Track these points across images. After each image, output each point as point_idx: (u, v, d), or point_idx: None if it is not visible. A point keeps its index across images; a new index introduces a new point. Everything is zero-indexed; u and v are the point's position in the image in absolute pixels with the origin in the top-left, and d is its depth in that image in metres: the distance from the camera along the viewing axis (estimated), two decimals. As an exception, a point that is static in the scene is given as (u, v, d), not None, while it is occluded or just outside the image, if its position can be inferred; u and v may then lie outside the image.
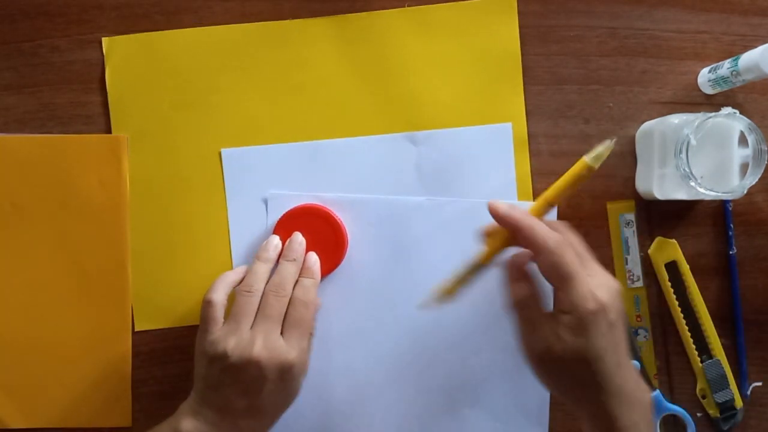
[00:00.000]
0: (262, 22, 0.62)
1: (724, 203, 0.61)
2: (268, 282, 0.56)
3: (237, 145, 0.61)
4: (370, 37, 0.62)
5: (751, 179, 0.53)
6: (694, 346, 0.61)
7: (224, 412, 0.52)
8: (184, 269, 0.61)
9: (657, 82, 0.61)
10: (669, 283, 0.61)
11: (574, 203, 0.61)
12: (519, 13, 0.61)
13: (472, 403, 0.61)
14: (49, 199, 0.61)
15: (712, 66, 0.59)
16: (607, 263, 0.61)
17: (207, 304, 0.55)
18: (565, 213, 0.61)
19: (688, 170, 0.53)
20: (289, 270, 0.57)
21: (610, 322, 0.47)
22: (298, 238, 0.59)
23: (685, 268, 0.60)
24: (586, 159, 0.50)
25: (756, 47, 0.54)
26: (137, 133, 0.62)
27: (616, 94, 0.61)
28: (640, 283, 0.61)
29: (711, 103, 0.61)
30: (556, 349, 0.48)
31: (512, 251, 0.52)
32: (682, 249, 0.61)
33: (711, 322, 0.61)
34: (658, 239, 0.61)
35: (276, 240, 0.59)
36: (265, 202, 0.61)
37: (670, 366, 0.61)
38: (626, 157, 0.61)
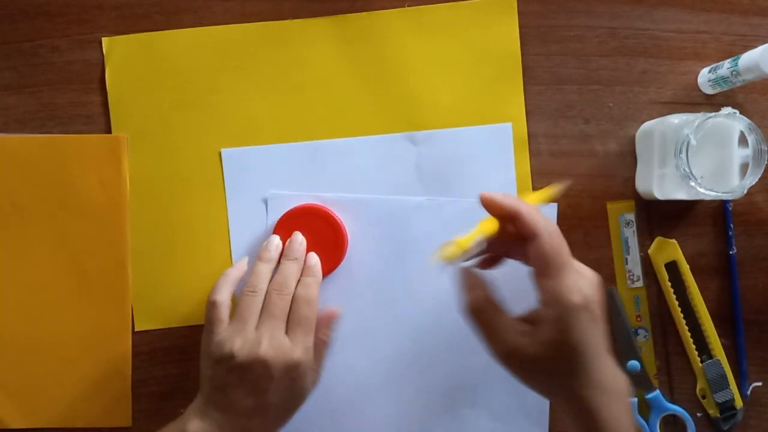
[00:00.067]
0: (262, 22, 0.62)
1: (724, 203, 0.61)
2: (270, 281, 0.56)
3: (237, 145, 0.61)
4: (370, 37, 0.62)
5: (751, 179, 0.53)
6: (694, 346, 0.61)
7: (231, 413, 0.52)
8: (184, 269, 0.61)
9: (657, 82, 0.61)
10: (669, 283, 0.61)
11: (574, 203, 0.61)
12: (519, 13, 0.61)
13: (472, 403, 0.61)
14: (49, 199, 0.61)
15: (712, 66, 0.59)
16: (607, 263, 0.61)
17: (212, 305, 0.55)
18: (565, 213, 0.61)
19: (688, 170, 0.53)
20: (291, 269, 0.57)
21: (592, 316, 0.47)
22: (299, 238, 0.59)
23: (685, 268, 0.60)
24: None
25: (756, 47, 0.54)
26: (137, 133, 0.62)
27: (616, 94, 0.61)
28: (640, 283, 0.61)
29: (711, 103, 0.61)
30: (530, 350, 0.47)
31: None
32: (682, 249, 0.61)
33: (711, 322, 0.61)
34: (658, 239, 0.61)
35: (277, 240, 0.59)
36: (265, 202, 0.61)
37: (670, 366, 0.61)
38: (626, 157, 0.61)
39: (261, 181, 0.61)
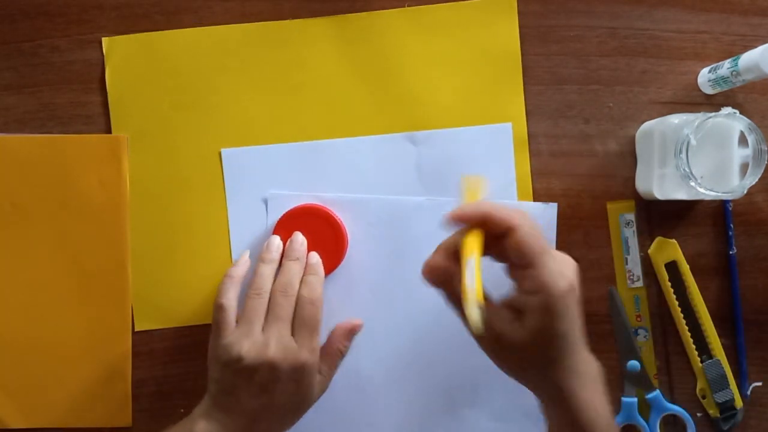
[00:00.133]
0: (262, 22, 0.62)
1: (724, 203, 0.61)
2: (274, 283, 0.56)
3: (237, 145, 0.61)
4: (370, 37, 0.62)
5: (751, 179, 0.53)
6: (694, 346, 0.61)
7: (238, 415, 0.53)
8: (184, 269, 0.61)
9: (657, 82, 0.61)
10: (669, 283, 0.61)
11: (574, 203, 0.61)
12: (519, 13, 0.61)
13: (472, 403, 0.61)
14: (49, 199, 0.61)
15: (712, 66, 0.59)
16: (607, 263, 0.61)
17: (219, 309, 0.55)
18: (565, 213, 0.61)
19: (688, 170, 0.53)
20: (294, 270, 0.57)
21: (576, 301, 0.47)
22: (299, 238, 0.59)
23: (685, 268, 0.60)
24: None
25: (756, 47, 0.54)
26: (137, 133, 0.62)
27: (616, 94, 0.61)
28: (640, 283, 0.61)
29: (711, 103, 0.61)
30: (516, 338, 0.47)
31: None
32: (682, 249, 0.61)
33: (711, 322, 0.61)
34: (658, 239, 0.61)
35: (277, 240, 0.59)
36: (265, 202, 0.61)
37: (670, 366, 0.61)
38: (626, 157, 0.61)
39: (261, 181, 0.61)
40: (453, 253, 0.49)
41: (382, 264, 0.61)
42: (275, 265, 0.58)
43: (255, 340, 0.53)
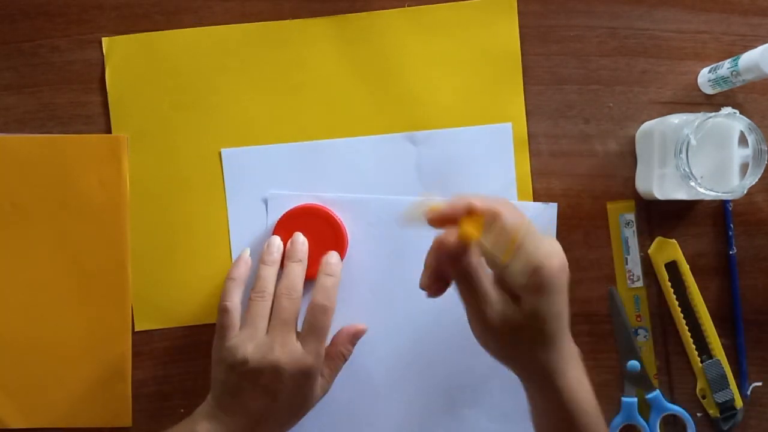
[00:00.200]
0: (262, 22, 0.62)
1: (724, 203, 0.61)
2: (277, 285, 0.56)
3: (237, 145, 0.61)
4: (370, 37, 0.62)
5: (751, 179, 0.53)
6: (694, 346, 0.61)
7: (241, 416, 0.53)
8: (184, 269, 0.61)
9: (657, 82, 0.61)
10: (669, 283, 0.61)
11: (574, 203, 0.61)
12: (519, 13, 0.61)
13: (472, 404, 0.61)
14: (49, 199, 0.61)
15: (712, 66, 0.59)
16: (607, 263, 0.61)
17: (223, 311, 0.55)
18: (565, 213, 0.61)
19: (688, 170, 0.53)
20: (296, 271, 0.57)
21: (568, 280, 0.47)
22: (300, 239, 0.59)
23: (685, 268, 0.60)
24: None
25: (756, 47, 0.54)
26: (137, 133, 0.62)
27: (616, 94, 0.61)
28: (640, 283, 0.61)
29: (711, 103, 0.61)
30: (513, 320, 0.47)
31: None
32: (682, 249, 0.61)
33: (711, 322, 0.61)
34: (658, 239, 0.61)
35: (278, 241, 0.59)
36: (265, 202, 0.61)
37: (670, 366, 0.61)
38: (626, 157, 0.61)
39: (261, 181, 0.61)
40: (445, 253, 0.48)
41: (382, 264, 0.61)
42: (277, 266, 0.58)
43: (259, 343, 0.53)
